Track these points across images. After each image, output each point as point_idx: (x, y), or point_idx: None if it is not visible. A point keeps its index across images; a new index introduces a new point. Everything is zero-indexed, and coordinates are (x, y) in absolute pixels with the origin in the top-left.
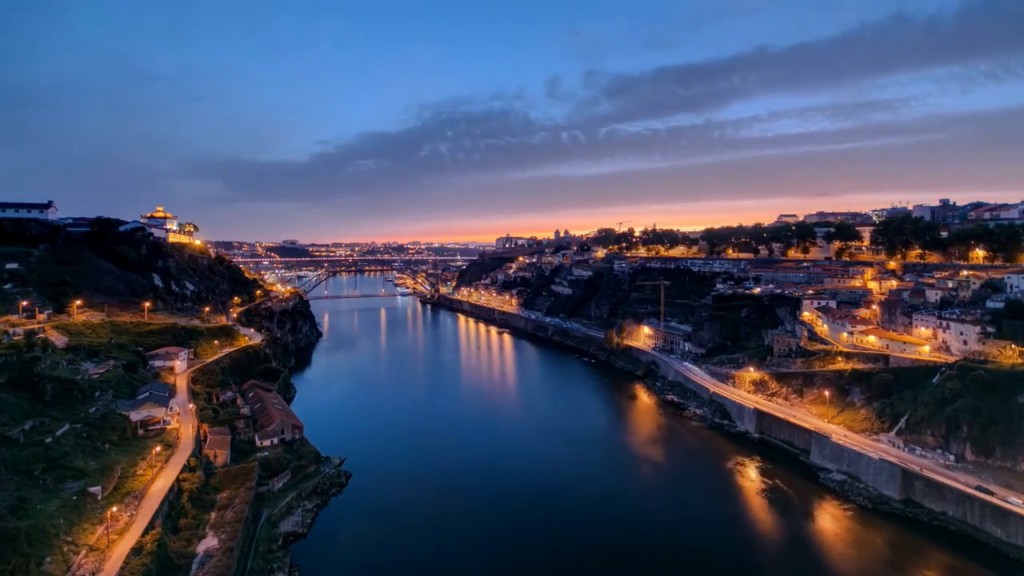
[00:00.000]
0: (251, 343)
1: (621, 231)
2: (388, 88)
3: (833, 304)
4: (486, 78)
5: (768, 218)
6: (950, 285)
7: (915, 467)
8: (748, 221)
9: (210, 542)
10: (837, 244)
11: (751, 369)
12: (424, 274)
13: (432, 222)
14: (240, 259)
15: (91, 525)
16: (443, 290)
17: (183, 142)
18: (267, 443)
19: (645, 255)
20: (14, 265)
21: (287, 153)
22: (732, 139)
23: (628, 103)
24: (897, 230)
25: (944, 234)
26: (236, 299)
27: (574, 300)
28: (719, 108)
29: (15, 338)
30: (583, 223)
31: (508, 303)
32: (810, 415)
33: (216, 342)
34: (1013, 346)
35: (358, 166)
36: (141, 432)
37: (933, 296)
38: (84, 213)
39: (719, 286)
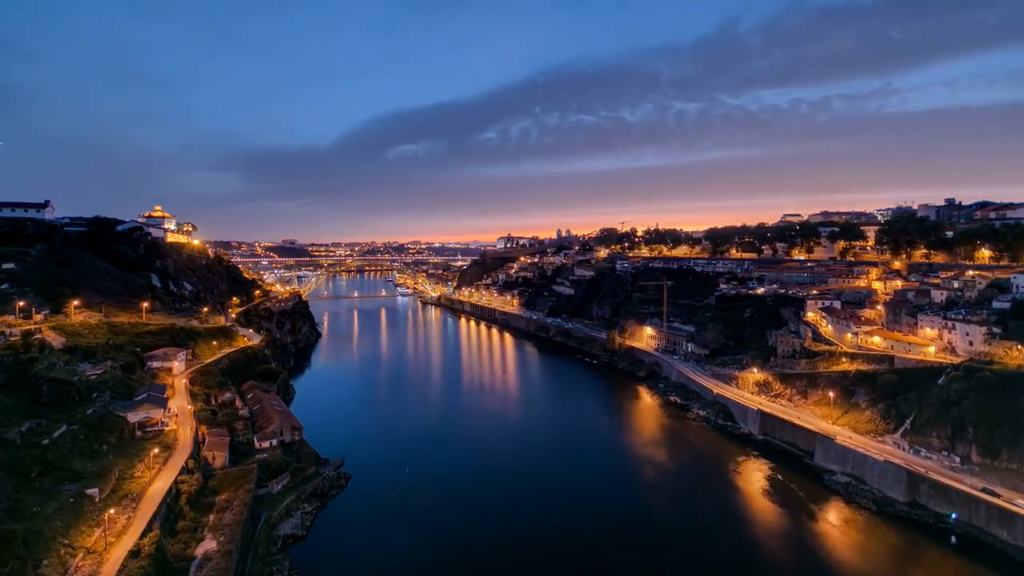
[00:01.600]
0: (250, 344)
1: (624, 231)
2: (472, 47)
3: (837, 304)
4: (633, 26)
5: (772, 217)
6: (956, 285)
7: (920, 469)
8: (751, 220)
9: (209, 544)
10: (841, 244)
11: (755, 370)
12: (425, 274)
13: (433, 221)
14: (239, 259)
15: (88, 527)
16: (444, 290)
17: (193, 120)
18: (266, 445)
19: (648, 255)
20: (11, 265)
21: (313, 135)
22: (892, 113)
23: (802, 55)
24: (902, 230)
25: (949, 234)
26: (235, 299)
27: (576, 300)
28: (914, 66)
29: (12, 339)
30: (585, 223)
31: (509, 303)
32: (814, 416)
33: (215, 343)
34: (1019, 347)
35: (403, 152)
36: (139, 434)
37: (938, 296)
38: (80, 211)
39: (722, 286)
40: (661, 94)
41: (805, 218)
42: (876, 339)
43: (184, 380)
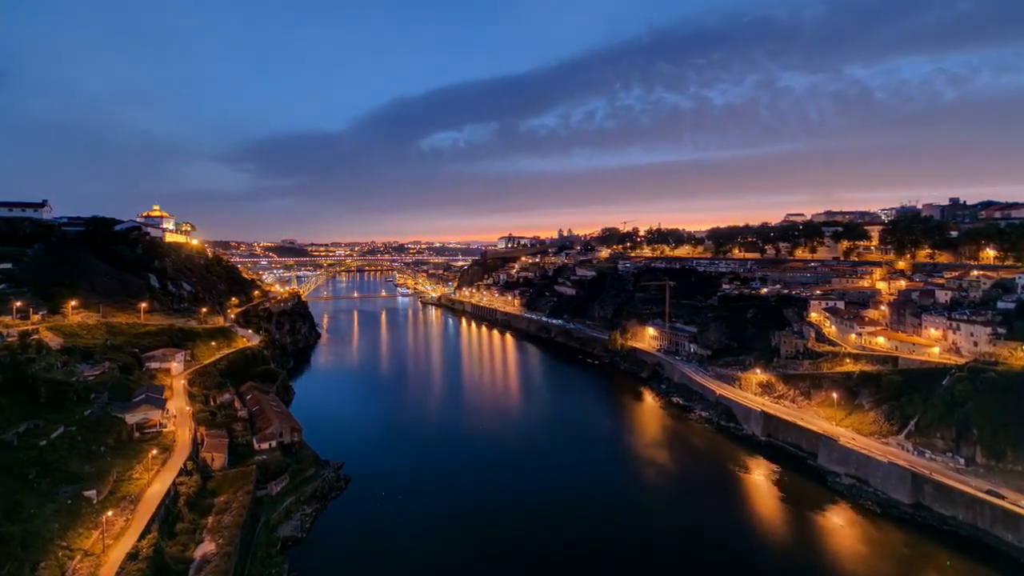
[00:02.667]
0: (249, 344)
1: (626, 230)
2: None
3: (841, 305)
4: None
5: (775, 217)
6: (960, 285)
7: (925, 471)
8: (754, 220)
9: (207, 547)
10: (845, 244)
11: (757, 371)
12: (425, 274)
13: (434, 221)
14: (238, 259)
15: (86, 530)
16: (444, 291)
17: (204, 98)
18: (265, 446)
19: (650, 255)
20: (8, 265)
21: (344, 115)
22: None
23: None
24: (906, 229)
25: (954, 233)
26: (234, 299)
27: (578, 301)
28: None
29: (9, 339)
30: (587, 222)
31: (510, 304)
32: (818, 418)
33: (213, 343)
34: None
35: (435, 140)
36: (137, 435)
37: (943, 297)
38: (76, 207)
39: (725, 286)
40: (778, 63)
41: (808, 218)
42: (880, 340)
43: (183, 381)
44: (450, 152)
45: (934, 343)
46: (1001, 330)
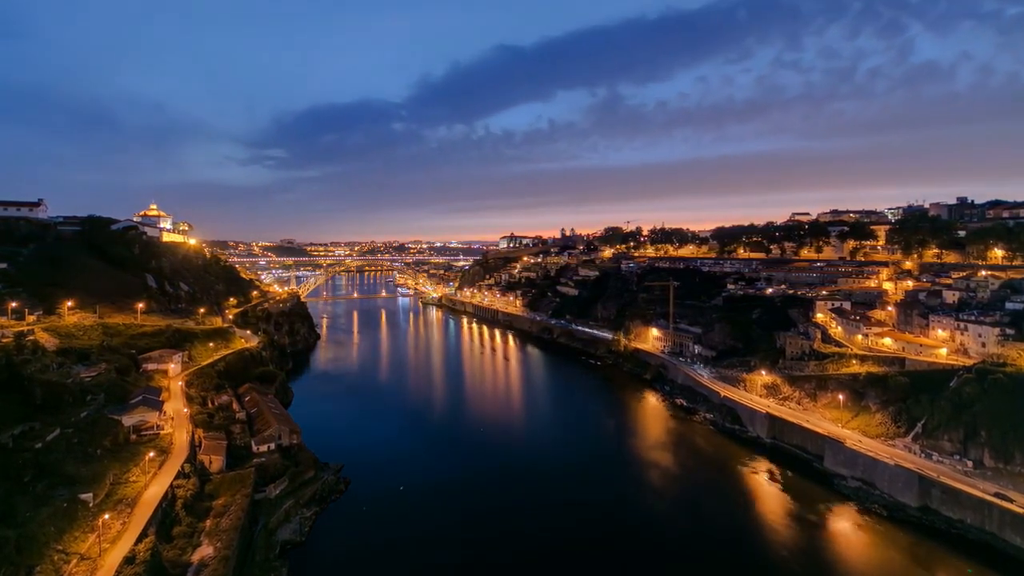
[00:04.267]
0: (247, 345)
1: (629, 230)
2: None
3: (847, 305)
4: None
5: (780, 216)
6: (968, 286)
7: (932, 473)
8: (759, 219)
9: (205, 550)
10: (851, 243)
11: (763, 372)
12: (426, 275)
13: (435, 220)
14: (236, 259)
15: (82, 533)
16: (445, 291)
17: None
18: (264, 448)
19: (653, 255)
20: (3, 265)
21: (394, 83)
22: None
23: None
24: (913, 229)
25: (962, 233)
26: (232, 300)
27: (580, 301)
28: None
29: (4, 340)
30: (589, 222)
31: (512, 304)
32: (824, 420)
33: (211, 344)
34: None
35: (510, 116)
36: (134, 437)
37: (950, 297)
38: (73, 203)
39: (730, 287)
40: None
41: (814, 217)
42: (887, 341)
43: (180, 382)
44: (523, 135)
45: (941, 344)
46: (1009, 331)
